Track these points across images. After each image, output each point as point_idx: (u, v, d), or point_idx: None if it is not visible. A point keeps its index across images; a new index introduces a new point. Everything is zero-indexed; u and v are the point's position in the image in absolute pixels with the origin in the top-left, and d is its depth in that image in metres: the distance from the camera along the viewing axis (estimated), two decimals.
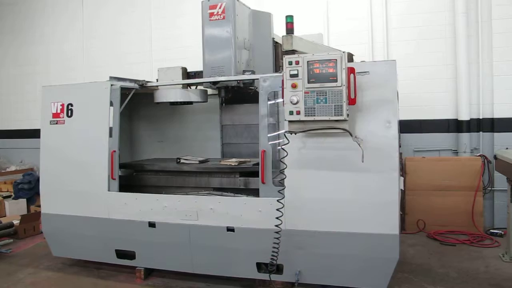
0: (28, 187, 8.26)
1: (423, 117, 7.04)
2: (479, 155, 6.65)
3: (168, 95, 5.10)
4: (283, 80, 3.88)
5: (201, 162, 5.17)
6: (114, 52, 9.02)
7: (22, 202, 8.15)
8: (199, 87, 5.40)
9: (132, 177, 5.46)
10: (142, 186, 5.28)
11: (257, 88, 4.79)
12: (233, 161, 4.95)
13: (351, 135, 3.77)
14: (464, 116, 6.75)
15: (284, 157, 3.98)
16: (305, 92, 3.76)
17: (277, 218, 3.97)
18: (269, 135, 4.35)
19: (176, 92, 5.07)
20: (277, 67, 5.39)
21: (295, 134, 3.90)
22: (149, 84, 5.31)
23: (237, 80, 4.78)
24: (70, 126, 5.12)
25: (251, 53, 5.30)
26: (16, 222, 6.88)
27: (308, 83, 3.74)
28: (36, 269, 5.38)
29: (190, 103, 5.29)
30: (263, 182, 4.31)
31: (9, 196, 8.43)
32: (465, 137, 6.76)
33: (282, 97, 3.90)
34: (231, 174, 4.89)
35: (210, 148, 6.08)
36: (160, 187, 5.18)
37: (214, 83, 5.03)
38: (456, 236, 6.19)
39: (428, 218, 6.55)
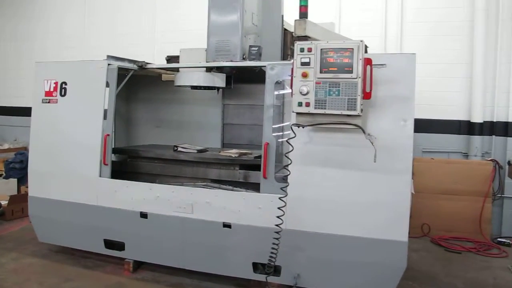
0: (20, 167, 7.95)
1: (434, 116, 6.72)
2: (490, 160, 6.37)
3: (190, 78, 4.73)
4: (292, 68, 3.58)
5: (199, 151, 4.87)
6: (114, 32, 8.66)
7: (13, 182, 7.86)
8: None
9: (125, 163, 5.17)
10: (135, 173, 5.00)
11: (259, 68, 4.49)
12: (233, 152, 4.66)
13: (364, 132, 3.47)
14: (477, 118, 6.45)
15: (289, 151, 3.68)
16: (316, 83, 3.45)
17: (278, 217, 3.68)
18: (273, 126, 4.06)
19: (200, 75, 4.69)
20: (285, 56, 5.11)
21: (303, 127, 3.60)
22: (148, 66, 4.99)
23: (245, 66, 4.48)
24: (63, 106, 4.82)
25: (258, 31, 5.00)
26: (4, 203, 6.61)
27: (321, 72, 3.44)
28: (20, 254, 5.11)
29: (213, 88, 4.92)
30: (264, 177, 4.02)
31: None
32: (476, 140, 6.47)
33: (291, 87, 3.60)
34: (231, 166, 4.61)
35: (210, 130, 5.78)
36: (154, 175, 4.90)
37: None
38: (462, 243, 5.92)
39: (433, 222, 6.27)
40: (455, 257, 5.44)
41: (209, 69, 4.81)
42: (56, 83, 4.85)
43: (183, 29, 7.83)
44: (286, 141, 3.67)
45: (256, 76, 4.67)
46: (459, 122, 6.65)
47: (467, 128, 6.56)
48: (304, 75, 3.46)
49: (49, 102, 4.88)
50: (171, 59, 5.43)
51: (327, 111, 3.44)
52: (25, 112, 8.99)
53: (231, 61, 4.60)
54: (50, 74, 4.91)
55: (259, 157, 4.39)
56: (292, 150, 3.67)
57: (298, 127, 3.60)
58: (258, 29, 5.04)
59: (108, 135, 4.60)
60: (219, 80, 4.81)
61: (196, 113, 5.93)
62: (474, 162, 6.40)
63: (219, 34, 4.72)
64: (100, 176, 4.60)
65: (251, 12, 4.85)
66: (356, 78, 3.35)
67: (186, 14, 7.92)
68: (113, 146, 4.93)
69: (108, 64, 4.64)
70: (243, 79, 5.22)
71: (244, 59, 4.63)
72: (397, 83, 3.64)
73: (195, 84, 4.79)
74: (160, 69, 5.29)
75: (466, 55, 6.57)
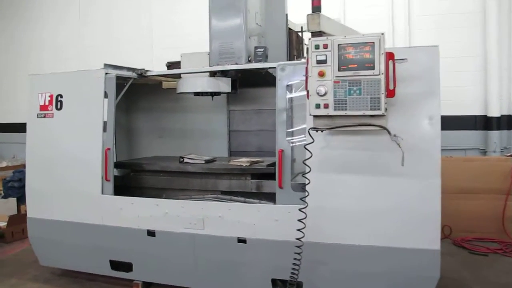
0: (19, 185, 7.63)
1: (448, 112, 6.32)
2: (510, 155, 6.06)
3: (194, 84, 4.46)
4: (307, 68, 3.28)
5: (207, 161, 4.58)
6: (111, 40, 8.42)
7: (12, 201, 7.53)
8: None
9: (129, 177, 4.87)
10: (140, 188, 4.70)
11: (265, 69, 4.24)
12: (244, 161, 4.36)
13: (389, 133, 3.18)
14: (494, 112, 6.18)
15: (308, 158, 3.38)
16: (334, 82, 3.16)
17: (299, 230, 3.37)
18: (288, 131, 3.77)
19: (203, 81, 4.42)
20: (291, 57, 4.86)
21: (321, 131, 3.31)
22: (148, 73, 4.70)
23: (252, 69, 4.21)
24: (59, 120, 4.52)
25: (262, 31, 4.72)
26: (3, 224, 6.31)
27: (339, 70, 3.14)
28: (20, 280, 4.78)
29: (218, 93, 4.64)
30: (280, 187, 3.73)
31: None
32: (494, 135, 6.19)
33: (306, 88, 3.30)
34: (242, 176, 4.31)
35: (216, 138, 5.50)
36: (160, 189, 4.60)
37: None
38: (486, 244, 5.61)
39: (454, 223, 5.93)
40: (482, 260, 5.14)
41: (212, 74, 4.54)
42: (51, 96, 4.56)
43: (182, 34, 7.57)
44: (304, 147, 3.37)
45: (262, 79, 4.42)
46: (475, 117, 6.38)
47: (484, 123, 6.29)
48: (321, 74, 3.17)
49: (44, 117, 4.59)
50: (171, 65, 5.14)
51: (348, 113, 3.14)
52: (24, 128, 8.71)
53: (236, 64, 4.32)
54: (44, 86, 4.62)
55: (272, 165, 4.13)
56: (311, 156, 3.36)
57: (316, 131, 3.31)
58: (262, 30, 4.76)
59: (109, 149, 4.31)
60: (224, 85, 4.53)
61: (200, 121, 5.64)
62: (493, 159, 6.12)
63: (222, 36, 4.44)
64: (102, 193, 4.30)
65: (255, 11, 4.57)
66: (378, 74, 3.06)
67: (184, 18, 7.66)
68: (114, 160, 4.63)
69: (106, 73, 4.35)
70: (248, 83, 4.95)
71: (249, 61, 4.35)
72: (420, 78, 3.36)
73: (199, 90, 4.52)
74: (160, 77, 5.00)
75: (478, 47, 6.32)
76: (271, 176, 4.04)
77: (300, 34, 5.42)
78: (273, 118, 5.27)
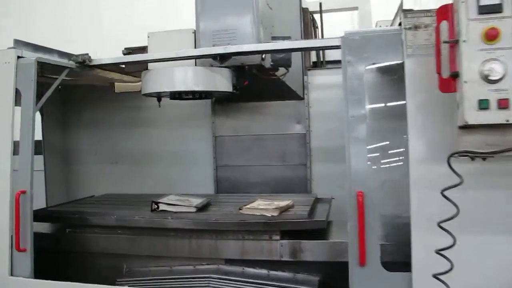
0: None
1: None
2: None
3: (170, 79, 2.64)
4: (438, 27, 1.57)
5: (198, 209, 2.73)
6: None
7: None
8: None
9: (64, 237, 2.90)
10: (83, 253, 2.76)
11: (283, 76, 2.77)
12: (268, 207, 2.56)
13: None
14: None
15: (451, 218, 1.61)
16: None
17: None
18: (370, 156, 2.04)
19: (188, 73, 2.61)
20: None
21: (484, 159, 1.58)
22: (95, 62, 2.79)
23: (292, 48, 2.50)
24: None
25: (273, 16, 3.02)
26: None
27: None
28: None
29: (209, 95, 2.86)
30: (362, 263, 1.95)
31: None
32: None
33: (438, 70, 1.59)
34: (264, 233, 2.52)
35: (194, 163, 3.79)
36: (119, 257, 2.72)
37: (221, 58, 2.64)
38: None
39: None
40: None
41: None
42: None
43: (139, 26, 5.82)
44: (441, 193, 1.60)
45: (263, 91, 3.16)
46: None
47: None
48: (492, 37, 1.46)
49: None
50: (132, 52, 3.25)
51: None
52: None
53: None
54: None
55: (314, 210, 2.44)
56: (457, 213, 1.59)
57: (472, 158, 1.57)
58: (272, 14, 3.03)
59: (23, 192, 2.37)
60: (223, 80, 2.71)
61: (170, 138, 3.86)
62: None
63: (217, 17, 2.64)
64: (11, 274, 2.35)
65: None
66: None
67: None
68: (35, 208, 2.65)
69: (18, 57, 2.44)
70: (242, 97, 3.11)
71: (263, 59, 2.59)
72: None
73: (180, 89, 2.68)
74: (115, 72, 3.16)
75: None
76: (313, 233, 2.45)
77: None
78: (277, 148, 3.64)
